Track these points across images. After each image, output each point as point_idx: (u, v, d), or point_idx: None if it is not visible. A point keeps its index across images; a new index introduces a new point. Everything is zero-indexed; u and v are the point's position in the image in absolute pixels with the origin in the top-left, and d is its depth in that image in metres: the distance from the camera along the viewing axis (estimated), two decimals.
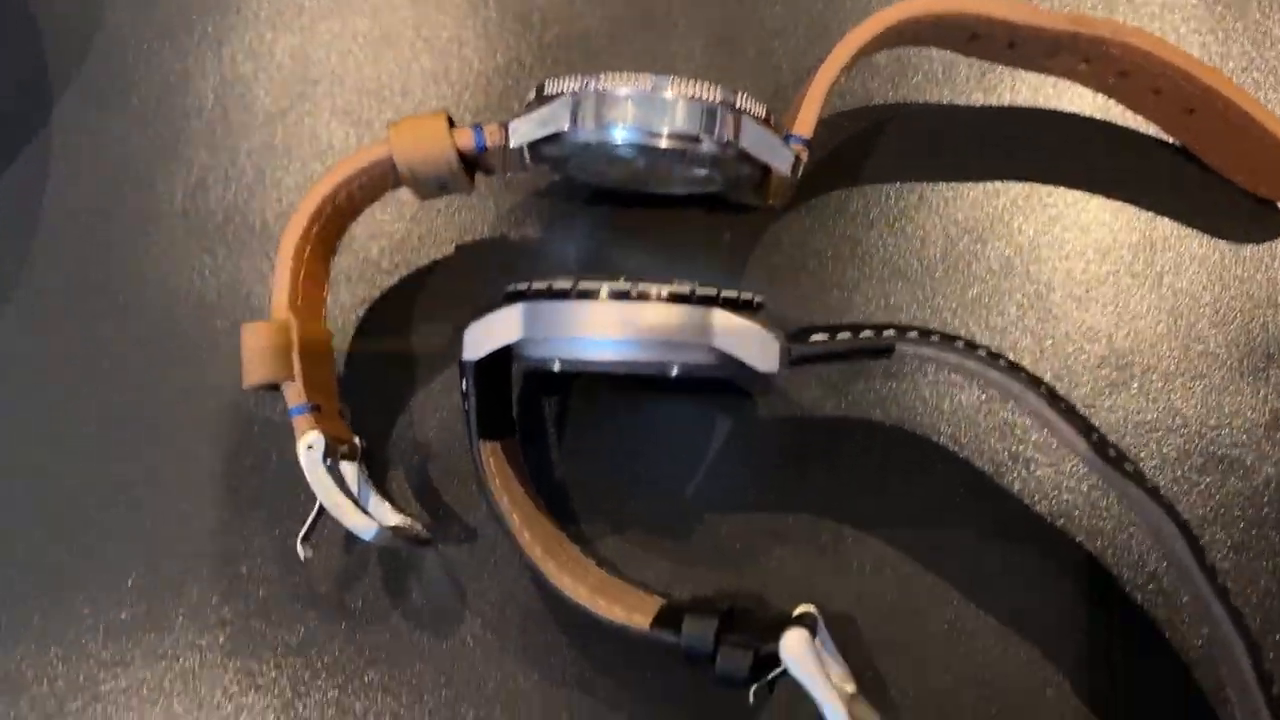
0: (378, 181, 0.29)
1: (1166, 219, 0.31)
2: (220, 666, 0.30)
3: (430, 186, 0.29)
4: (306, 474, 0.27)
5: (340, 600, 0.30)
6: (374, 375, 0.32)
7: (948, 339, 0.26)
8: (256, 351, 0.27)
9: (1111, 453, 0.25)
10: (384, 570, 0.30)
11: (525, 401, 0.31)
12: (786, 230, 0.32)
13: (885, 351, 0.26)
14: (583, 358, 0.25)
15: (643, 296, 0.25)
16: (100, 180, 0.34)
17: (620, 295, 0.25)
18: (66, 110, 0.34)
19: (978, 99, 0.33)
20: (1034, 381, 0.25)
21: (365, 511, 0.27)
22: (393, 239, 0.33)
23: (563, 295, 0.25)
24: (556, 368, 0.26)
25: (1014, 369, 0.25)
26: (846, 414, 0.30)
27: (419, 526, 0.28)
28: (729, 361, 0.25)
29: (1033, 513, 0.29)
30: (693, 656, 0.26)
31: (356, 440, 0.29)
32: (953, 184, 0.32)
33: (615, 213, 0.32)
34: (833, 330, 0.26)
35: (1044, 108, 0.33)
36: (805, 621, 0.26)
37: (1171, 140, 0.32)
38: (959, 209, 0.32)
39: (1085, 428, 0.25)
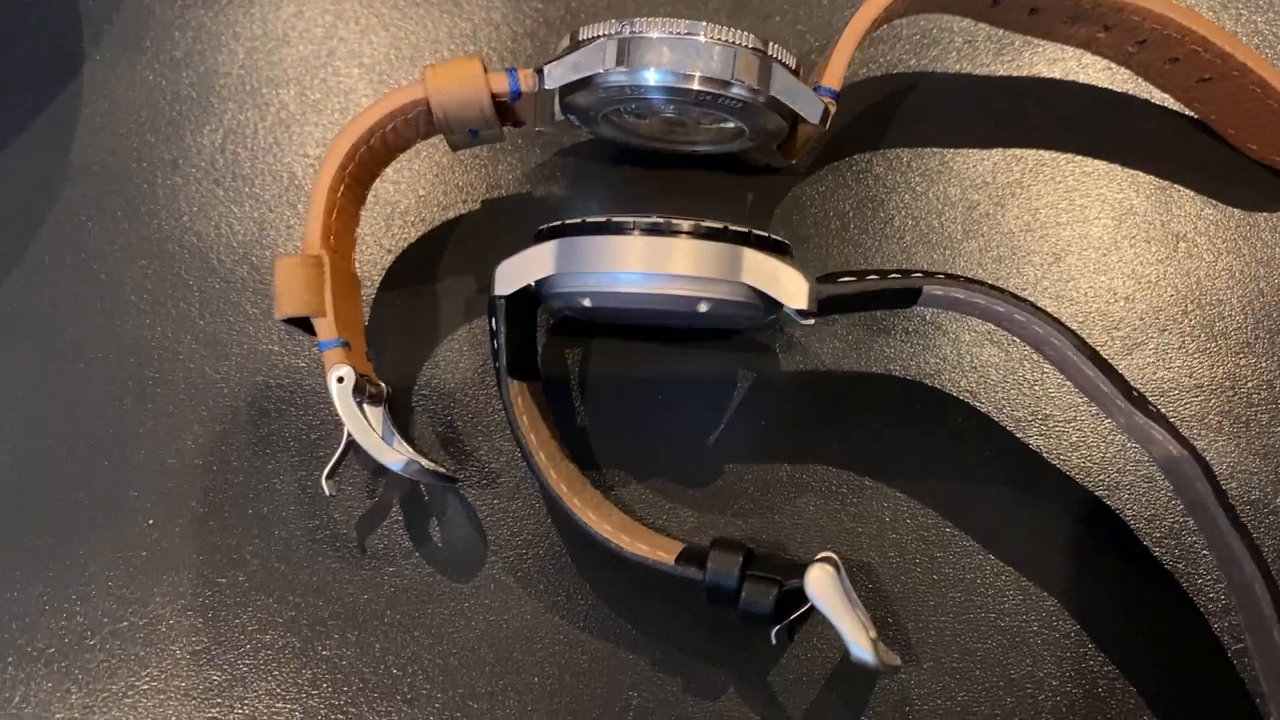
0: (411, 125, 0.29)
1: (1181, 187, 0.32)
2: (239, 606, 0.30)
3: (462, 132, 0.29)
4: (337, 406, 0.27)
5: (361, 542, 0.30)
6: (398, 327, 0.32)
7: (974, 282, 0.26)
8: (290, 284, 0.27)
9: (1135, 394, 0.25)
10: (405, 513, 0.30)
11: (548, 353, 0.31)
12: (809, 192, 0.32)
13: (912, 295, 0.26)
14: (614, 291, 0.26)
15: (675, 231, 0.25)
16: (130, 128, 0.34)
17: (653, 230, 0.25)
18: (100, 58, 0.35)
19: (997, 70, 0.33)
20: (1059, 325, 0.26)
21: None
22: (418, 194, 0.33)
23: (596, 229, 0.26)
24: (587, 303, 0.26)
25: (1039, 312, 0.26)
26: (868, 369, 0.31)
27: (442, 468, 0.29)
28: (758, 301, 0.26)
29: (1052, 467, 0.30)
30: (716, 594, 0.26)
31: (383, 385, 0.29)
32: (973, 150, 0.33)
33: (639, 173, 0.33)
34: (860, 274, 0.26)
35: (1062, 79, 0.33)
36: (829, 561, 0.26)
37: (1186, 111, 0.33)
38: (979, 174, 0.32)
39: (1109, 370, 0.26)
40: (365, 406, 0.28)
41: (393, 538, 0.30)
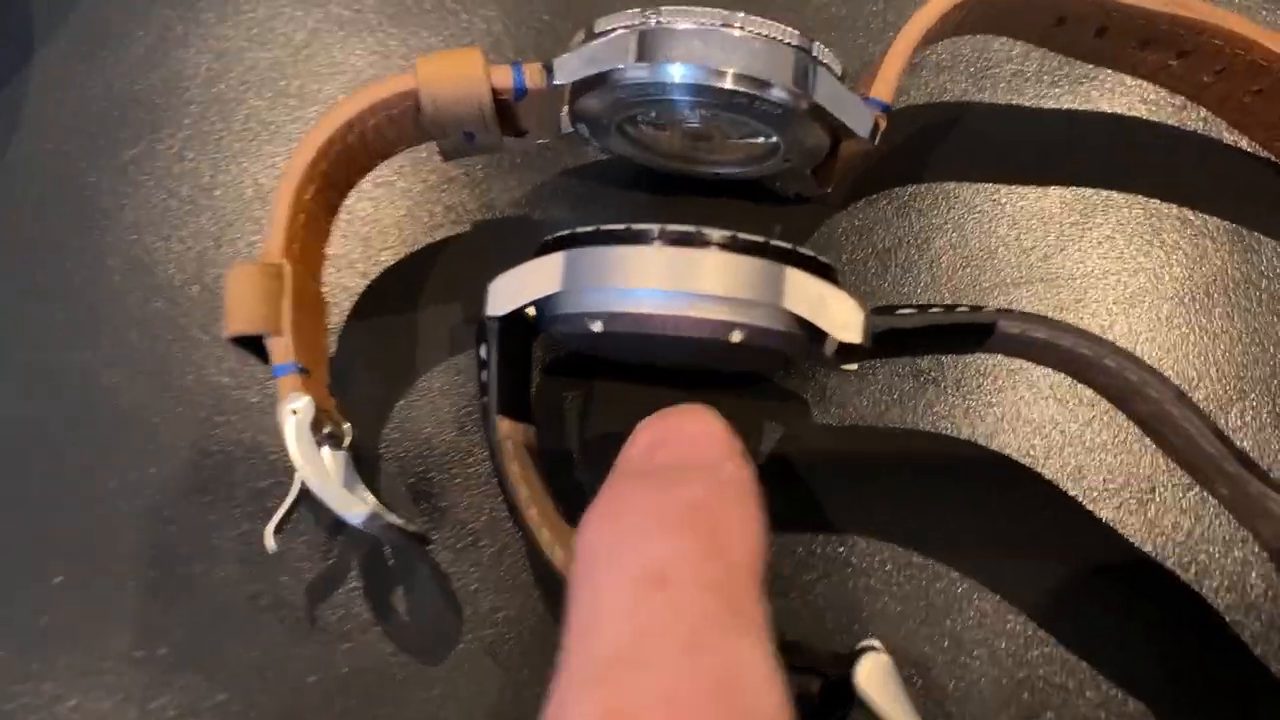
0: (396, 124, 0.25)
1: (1261, 235, 0.28)
2: (159, 686, 0.24)
3: (456, 136, 0.26)
4: (288, 443, 0.22)
5: (311, 612, 0.25)
6: (369, 360, 0.27)
7: (1058, 322, 0.22)
8: (243, 296, 0.23)
9: (1247, 458, 0.21)
10: (365, 579, 0.25)
11: (544, 395, 0.27)
12: (845, 226, 0.29)
13: (983, 334, 0.22)
14: (630, 312, 0.21)
15: (706, 243, 0.21)
16: (79, 126, 0.30)
17: (680, 240, 0.21)
18: (51, 50, 0.31)
19: (1050, 103, 0.30)
20: (1157, 374, 0.22)
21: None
22: (401, 213, 0.29)
23: (612, 239, 0.22)
24: (597, 327, 0.22)
25: (1133, 358, 0.22)
26: (914, 426, 0.27)
27: (412, 525, 0.24)
28: (800, 332, 0.22)
29: (1131, 546, 0.25)
30: None
31: (347, 426, 0.25)
32: (1028, 187, 0.29)
33: (655, 198, 0.29)
34: (923, 306, 0.22)
35: (1125, 114, 0.30)
36: (878, 651, 0.21)
37: (1261, 153, 0.29)
38: (1035, 213, 0.29)
39: (1217, 429, 0.22)
40: (324, 448, 0.24)
41: (349, 608, 0.25)
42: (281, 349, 0.23)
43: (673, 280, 0.21)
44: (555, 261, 0.22)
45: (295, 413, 0.22)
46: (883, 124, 0.25)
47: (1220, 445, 0.21)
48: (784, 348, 0.22)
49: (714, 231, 0.21)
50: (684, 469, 0.19)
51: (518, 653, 0.25)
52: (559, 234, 0.22)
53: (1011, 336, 0.22)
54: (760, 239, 0.21)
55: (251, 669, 0.25)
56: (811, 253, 0.22)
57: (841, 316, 0.22)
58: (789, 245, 0.22)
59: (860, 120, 0.24)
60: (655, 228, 0.21)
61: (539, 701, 0.24)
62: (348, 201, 0.28)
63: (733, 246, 0.21)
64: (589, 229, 0.22)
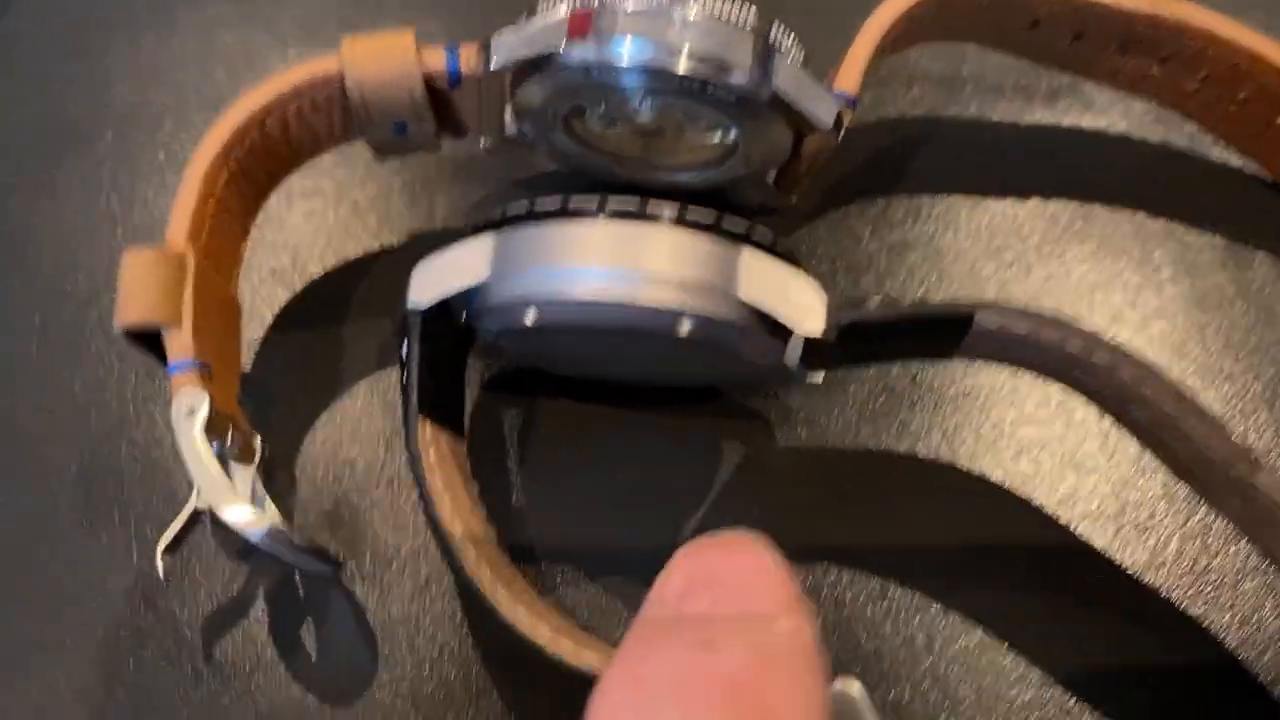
0: (321, 112, 0.23)
1: (1256, 249, 0.27)
2: None
3: (386, 127, 0.24)
4: (181, 446, 0.20)
5: (209, 648, 0.22)
6: (290, 378, 0.25)
7: (1040, 315, 0.20)
8: (138, 283, 0.20)
9: (1256, 459, 0.19)
10: (272, 613, 0.22)
11: (481, 415, 0.24)
12: (813, 237, 0.27)
13: (960, 329, 0.20)
14: (567, 299, 0.19)
15: (653, 218, 0.19)
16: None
17: (624, 215, 0.19)
18: None
19: (1027, 119, 0.29)
20: (1155, 370, 0.20)
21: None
22: (331, 224, 0.27)
23: (548, 216, 0.19)
24: (530, 319, 0.20)
25: (1125, 353, 0.20)
26: (887, 447, 0.24)
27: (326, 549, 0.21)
28: (758, 327, 0.20)
29: (1132, 579, 0.23)
30: None
31: (258, 441, 0.22)
32: (1007, 200, 0.27)
33: None
34: (894, 301, 0.20)
35: (1106, 130, 0.28)
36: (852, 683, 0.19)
37: (1255, 171, 0.28)
38: (1015, 226, 0.27)
39: (1221, 429, 0.19)
40: (229, 463, 0.21)
41: (252, 644, 0.22)
42: (179, 343, 0.20)
43: (615, 258, 0.19)
44: (484, 244, 0.20)
45: (191, 412, 0.20)
46: (847, 118, 0.23)
47: (1228, 447, 0.19)
48: (739, 343, 0.20)
49: (663, 205, 0.19)
50: (725, 624, 0.15)
51: (440, 696, 0.22)
52: (490, 217, 0.20)
53: (991, 334, 0.20)
54: (715, 214, 0.19)
55: (134, 713, 0.21)
56: (769, 235, 0.20)
57: (802, 304, 0.19)
58: (746, 224, 0.20)
59: (823, 110, 0.23)
60: (596, 198, 0.19)
61: None
62: (276, 210, 0.26)
63: (684, 222, 0.19)
64: (521, 206, 0.20)
